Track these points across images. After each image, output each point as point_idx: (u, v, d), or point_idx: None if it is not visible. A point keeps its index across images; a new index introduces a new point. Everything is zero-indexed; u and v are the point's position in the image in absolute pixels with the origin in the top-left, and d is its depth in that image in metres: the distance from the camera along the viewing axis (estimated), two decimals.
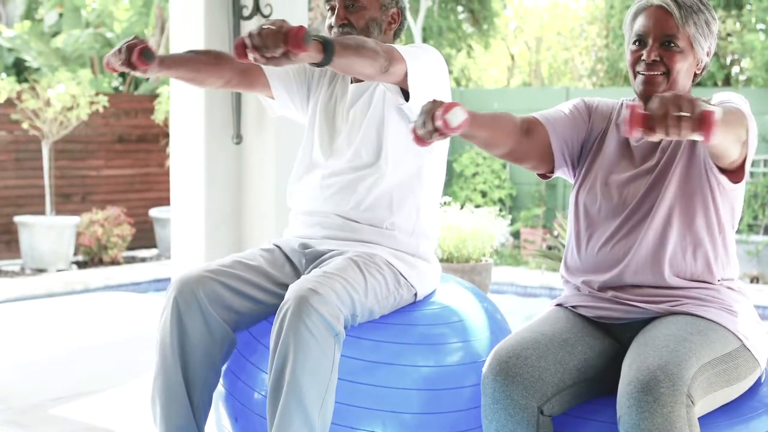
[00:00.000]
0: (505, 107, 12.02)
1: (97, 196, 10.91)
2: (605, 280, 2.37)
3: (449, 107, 2.05)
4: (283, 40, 2.12)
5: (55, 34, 12.92)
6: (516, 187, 12.17)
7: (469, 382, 2.61)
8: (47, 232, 9.47)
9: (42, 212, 10.14)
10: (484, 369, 2.20)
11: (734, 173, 2.27)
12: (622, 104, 2.52)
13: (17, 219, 9.67)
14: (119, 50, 2.51)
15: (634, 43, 2.36)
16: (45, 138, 9.95)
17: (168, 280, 7.61)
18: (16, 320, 5.88)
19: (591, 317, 2.39)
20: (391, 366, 2.55)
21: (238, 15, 5.29)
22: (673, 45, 2.31)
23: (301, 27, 2.13)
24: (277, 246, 2.83)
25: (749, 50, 12.14)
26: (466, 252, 6.12)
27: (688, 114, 1.79)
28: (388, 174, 2.71)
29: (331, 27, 2.79)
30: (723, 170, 2.28)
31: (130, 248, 10.65)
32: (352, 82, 2.84)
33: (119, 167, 11.18)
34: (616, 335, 2.36)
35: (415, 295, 2.73)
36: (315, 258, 2.72)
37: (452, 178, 12.18)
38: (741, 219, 2.47)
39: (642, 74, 2.33)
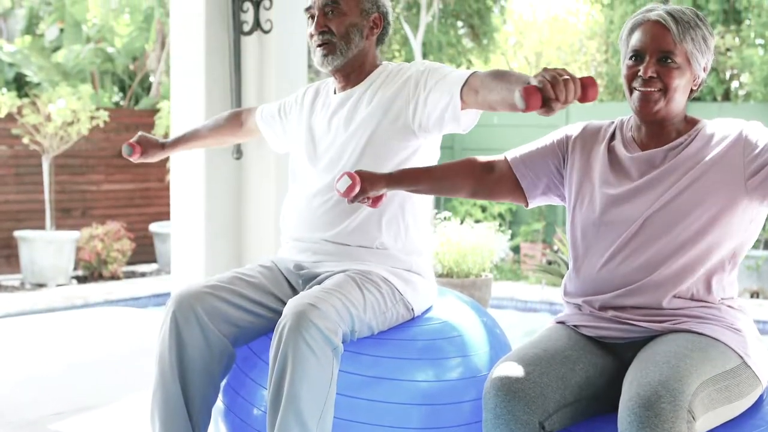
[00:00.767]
0: (505, 122, 12.03)
1: (98, 211, 10.92)
2: (605, 300, 2.36)
3: (340, 177, 2.31)
4: (580, 89, 2.04)
5: (55, 49, 12.94)
6: (514, 203, 12.15)
7: (468, 397, 2.61)
8: (47, 247, 9.47)
9: (42, 227, 10.14)
10: (486, 384, 2.20)
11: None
12: (614, 123, 2.51)
13: (17, 234, 9.67)
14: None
15: (631, 58, 2.34)
16: (45, 153, 9.96)
17: (168, 294, 7.61)
18: (15, 335, 5.88)
19: (592, 336, 2.39)
20: (391, 381, 2.55)
21: (238, 30, 5.30)
22: (670, 61, 2.30)
23: (592, 79, 2.06)
24: (275, 263, 2.83)
25: (748, 65, 12.15)
26: (465, 267, 6.13)
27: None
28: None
29: (312, 35, 2.76)
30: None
31: (130, 263, 10.65)
32: (336, 92, 2.84)
33: (119, 182, 11.18)
34: (618, 354, 2.36)
35: (412, 310, 2.72)
36: (311, 278, 2.72)
37: None
38: None
39: (638, 90, 2.32)
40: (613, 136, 2.46)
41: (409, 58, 15.61)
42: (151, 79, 13.22)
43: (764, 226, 10.40)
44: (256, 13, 5.29)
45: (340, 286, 2.51)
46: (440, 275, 6.13)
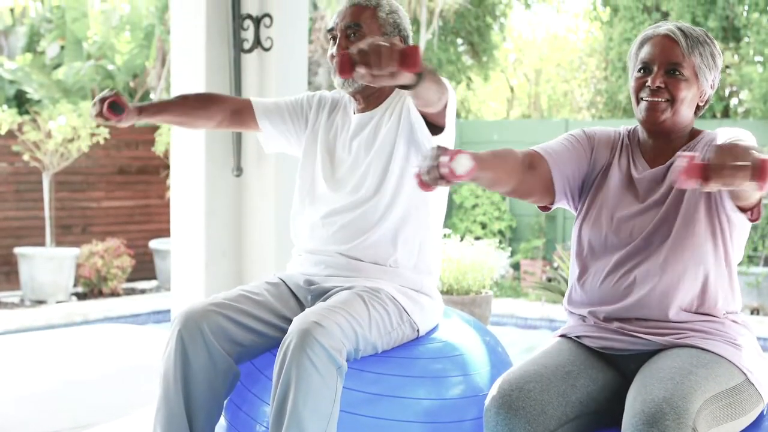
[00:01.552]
0: (505, 139, 12.05)
1: (98, 228, 10.91)
2: (610, 312, 2.37)
3: (454, 155, 2.01)
4: (397, 60, 2.04)
5: (56, 66, 12.97)
6: (516, 218, 12.17)
7: (470, 416, 2.61)
8: (47, 264, 9.46)
9: (42, 243, 10.14)
10: (487, 401, 2.19)
11: (751, 211, 2.27)
12: (621, 134, 2.52)
13: (17, 250, 9.67)
14: (94, 103, 2.69)
15: (639, 70, 2.37)
16: (45, 169, 9.97)
17: (168, 311, 7.60)
18: (15, 352, 5.87)
19: (595, 348, 2.38)
20: (393, 399, 2.55)
21: (238, 48, 5.32)
22: (678, 73, 2.33)
23: (416, 47, 2.07)
24: (282, 280, 2.82)
25: (747, 82, 12.19)
26: (466, 284, 6.12)
27: (746, 163, 1.77)
28: (388, 210, 2.70)
29: (332, 57, 2.76)
30: (742, 208, 2.27)
31: (129, 280, 10.63)
32: (355, 113, 2.83)
33: (119, 199, 11.19)
34: (620, 367, 2.36)
35: (417, 331, 2.72)
36: (321, 294, 2.72)
37: (452, 210, 12.18)
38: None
39: (646, 100, 2.34)
40: (622, 151, 2.47)
41: None
42: (152, 96, 13.24)
43: (765, 242, 10.40)
44: (256, 30, 5.31)
45: (347, 304, 2.51)
46: (441, 292, 6.12)
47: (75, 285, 9.99)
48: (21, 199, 10.31)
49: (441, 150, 2.03)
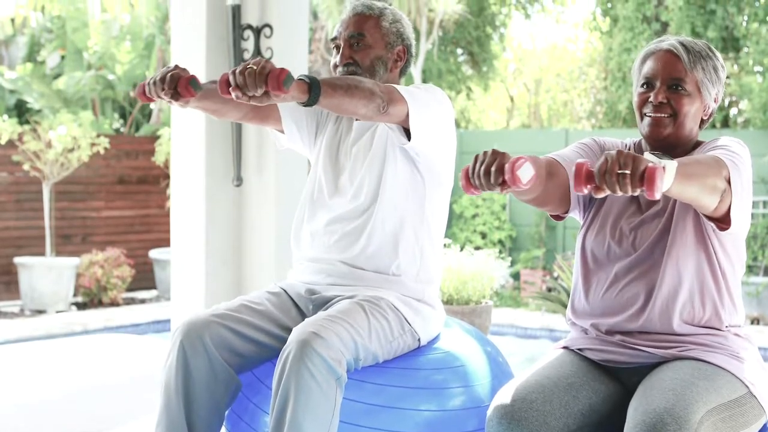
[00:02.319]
0: (505, 149, 12.03)
1: (98, 238, 10.92)
2: (613, 324, 2.36)
3: (519, 162, 1.94)
4: (264, 81, 2.13)
5: (56, 76, 12.99)
6: (516, 228, 12.17)
7: (470, 427, 2.60)
8: (47, 273, 9.46)
9: (42, 253, 10.14)
10: (489, 412, 2.19)
11: (721, 220, 2.25)
12: (628, 145, 2.52)
13: (17, 260, 9.66)
14: (162, 79, 2.44)
15: (642, 85, 2.38)
16: (46, 179, 9.97)
17: (167, 321, 7.59)
18: (15, 362, 5.86)
19: (597, 360, 2.38)
20: (394, 410, 2.54)
21: (239, 59, 5.33)
22: (680, 88, 2.33)
23: (282, 70, 2.14)
24: (283, 289, 2.82)
25: (747, 92, 12.20)
26: (466, 294, 6.10)
27: (628, 171, 1.80)
28: (388, 218, 2.70)
29: (336, 66, 2.78)
30: (710, 217, 2.26)
31: (129, 289, 10.63)
32: (356, 119, 2.84)
33: (119, 208, 11.19)
34: (622, 380, 2.36)
35: (419, 340, 2.71)
36: (322, 303, 2.71)
37: (452, 220, 12.18)
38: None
39: (649, 116, 2.35)
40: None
41: (409, 85, 15.64)
42: (152, 105, 13.26)
43: (764, 252, 10.40)
44: (256, 40, 5.32)
45: (347, 314, 2.50)
46: (441, 302, 6.12)
47: (75, 295, 9.99)
48: (21, 209, 10.31)
49: (499, 155, 1.99)
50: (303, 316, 2.73)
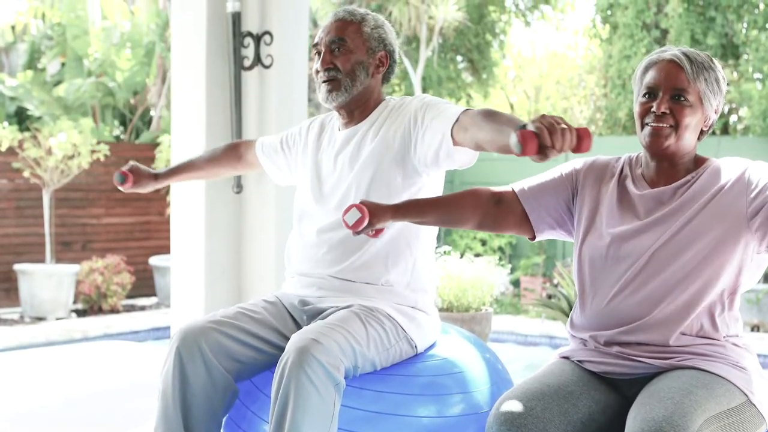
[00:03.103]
0: (505, 155, 12.05)
1: (98, 245, 10.92)
2: (611, 336, 2.36)
3: (348, 208, 2.25)
4: (576, 144, 2.00)
5: (57, 83, 13.00)
6: (515, 235, 12.16)
7: None
8: (47, 280, 9.46)
9: (42, 260, 10.14)
10: (489, 419, 2.19)
11: None
12: (622, 159, 2.52)
13: (17, 267, 9.67)
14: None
15: (644, 95, 2.38)
16: (46, 186, 9.98)
17: (167, 328, 7.59)
18: (14, 369, 5.86)
19: (597, 372, 2.38)
20: (393, 416, 2.54)
21: (239, 65, 5.33)
22: (683, 99, 2.33)
23: (586, 129, 2.00)
24: (279, 299, 2.83)
25: (747, 99, 12.21)
26: (466, 301, 6.11)
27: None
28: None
29: (317, 71, 2.78)
30: None
31: (129, 296, 10.63)
32: (340, 129, 2.84)
33: (120, 215, 11.20)
34: (622, 390, 2.35)
35: (416, 347, 2.72)
36: (316, 314, 2.71)
37: None
38: None
39: (650, 126, 2.34)
40: (622, 173, 2.47)
41: (409, 93, 15.68)
42: (152, 113, 13.27)
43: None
44: (256, 48, 5.32)
45: (344, 322, 2.50)
46: (440, 309, 6.11)
47: (75, 302, 9.99)
48: (21, 216, 10.32)
49: (350, 206, 2.27)
50: (298, 326, 2.74)
